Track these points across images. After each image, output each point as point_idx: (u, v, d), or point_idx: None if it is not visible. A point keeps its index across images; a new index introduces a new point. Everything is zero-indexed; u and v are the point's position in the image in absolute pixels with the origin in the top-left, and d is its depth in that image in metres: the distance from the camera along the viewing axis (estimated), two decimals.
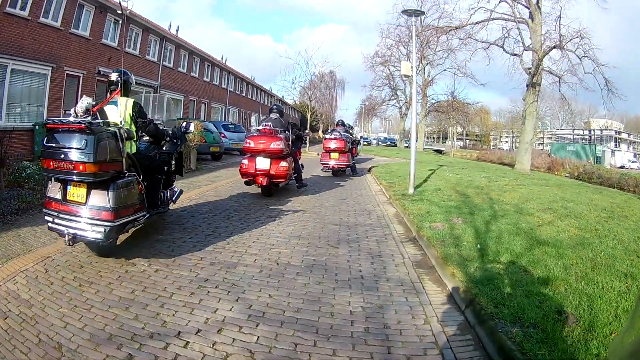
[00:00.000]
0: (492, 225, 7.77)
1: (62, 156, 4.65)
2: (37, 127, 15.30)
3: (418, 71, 55.51)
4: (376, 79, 59.32)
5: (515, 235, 7.00)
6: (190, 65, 32.62)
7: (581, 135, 76.92)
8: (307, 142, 32.59)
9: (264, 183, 10.31)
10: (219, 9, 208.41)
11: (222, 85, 40.21)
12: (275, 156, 10.23)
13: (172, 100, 28.85)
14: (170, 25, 30.97)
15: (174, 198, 7.55)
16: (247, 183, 10.81)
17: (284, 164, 10.34)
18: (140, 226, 6.05)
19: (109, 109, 5.85)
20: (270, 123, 10.66)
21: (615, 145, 79.12)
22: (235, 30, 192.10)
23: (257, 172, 10.24)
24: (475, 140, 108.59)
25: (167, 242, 6.37)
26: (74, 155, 4.62)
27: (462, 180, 15.21)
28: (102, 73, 19.89)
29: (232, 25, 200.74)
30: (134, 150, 5.93)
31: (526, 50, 26.38)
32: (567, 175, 34.02)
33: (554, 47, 24.81)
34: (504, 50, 28.86)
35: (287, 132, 11.13)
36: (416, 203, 10.15)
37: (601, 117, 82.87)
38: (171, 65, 29.39)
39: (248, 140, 10.45)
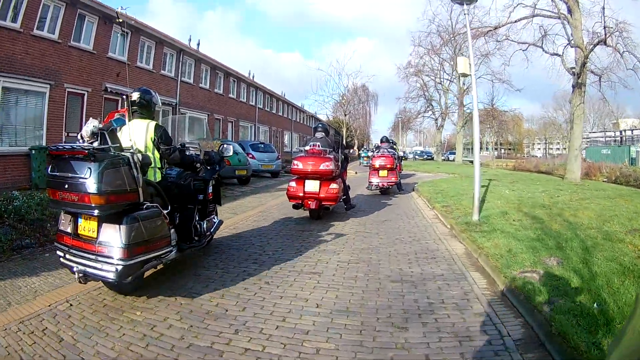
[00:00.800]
0: (591, 264, 5.96)
1: (67, 186, 4.30)
2: (33, 151, 13.69)
3: (453, 79, 54.11)
4: (410, 90, 57.16)
5: (623, 275, 5.43)
6: (214, 81, 30.93)
7: (612, 137, 73.54)
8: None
9: (313, 207, 9.78)
10: (246, 27, 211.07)
11: (250, 102, 38.52)
12: (325, 178, 9.77)
13: (195, 118, 27.12)
14: (190, 39, 29.38)
15: (212, 230, 6.86)
16: (295, 207, 10.25)
17: (334, 186, 9.83)
18: (170, 261, 5.37)
19: (125, 132, 5.39)
20: (318, 143, 10.23)
21: None
22: (263, 48, 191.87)
23: (306, 195, 9.79)
24: (509, 149, 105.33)
25: (142, 327, 4.25)
26: (77, 186, 4.22)
27: (522, 198, 13.10)
28: (109, 90, 18.41)
29: (260, 42, 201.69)
30: (158, 178, 5.43)
31: (571, 47, 23.85)
32: (604, 180, 31.24)
33: (599, 42, 22.30)
34: (543, 50, 26.66)
35: (335, 151, 10.59)
36: (488, 236, 7.83)
37: (629, 117, 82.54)
38: (191, 81, 27.71)
39: (295, 162, 9.96)
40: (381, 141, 18.66)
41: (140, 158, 4.72)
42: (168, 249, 4.98)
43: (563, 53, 25.28)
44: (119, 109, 6.04)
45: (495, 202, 12.12)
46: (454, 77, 53.17)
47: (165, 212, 4.94)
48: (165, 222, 4.91)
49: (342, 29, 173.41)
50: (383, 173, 15.94)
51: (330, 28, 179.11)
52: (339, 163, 10.61)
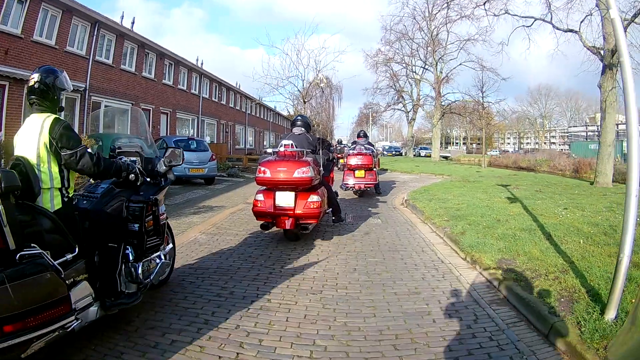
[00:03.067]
0: None
1: None
2: None
3: (428, 67, 49.48)
4: (379, 81, 52.44)
5: None
6: (142, 63, 24.49)
7: (595, 131, 71.65)
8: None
9: (289, 227, 7.25)
10: (212, 25, 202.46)
11: (192, 91, 31.95)
12: (302, 188, 7.32)
13: (117, 110, 20.94)
14: (122, 16, 23.45)
15: (152, 275, 4.57)
16: (263, 227, 7.55)
17: (315, 198, 7.38)
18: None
19: (23, 134, 3.82)
20: (291, 142, 7.69)
21: None
22: (228, 45, 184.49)
23: (278, 212, 7.27)
24: (478, 144, 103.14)
25: None
26: None
27: (603, 227, 7.99)
28: None
29: (226, 40, 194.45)
30: (57, 204, 3.69)
31: (611, 14, 18.74)
32: None
33: None
34: (553, 26, 22.42)
35: (315, 152, 8.11)
36: None
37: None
38: (110, 61, 21.47)
39: (262, 168, 7.37)
40: (358, 136, 16.11)
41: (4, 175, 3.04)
42: (68, 319, 3.21)
43: (580, 29, 20.61)
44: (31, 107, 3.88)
45: (578, 243, 6.79)
46: (429, 64, 48.17)
47: (68, 257, 3.46)
48: (57, 277, 3.17)
49: (305, 25, 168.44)
50: (360, 173, 13.97)
51: (294, 24, 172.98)
52: (321, 167, 8.26)
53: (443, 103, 47.68)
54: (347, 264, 6.56)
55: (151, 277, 4.60)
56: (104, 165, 4.03)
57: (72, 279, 3.50)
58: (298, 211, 7.28)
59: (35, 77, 3.85)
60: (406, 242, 8.10)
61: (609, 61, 17.94)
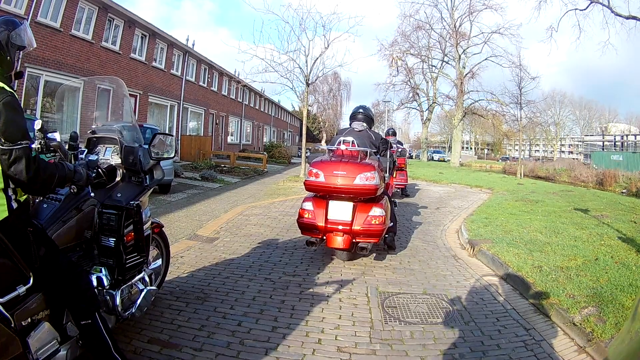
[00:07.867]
0: None
1: None
2: None
3: (449, 59, 44.92)
4: (392, 74, 47.42)
5: None
6: (101, 31, 19.23)
7: (611, 141, 68.40)
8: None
9: (343, 246, 5.80)
10: (222, 18, 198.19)
11: (173, 71, 26.74)
12: (362, 199, 5.92)
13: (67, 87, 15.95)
14: None
15: (134, 308, 3.58)
16: (309, 243, 5.97)
17: (378, 211, 5.84)
18: None
19: None
20: (352, 138, 6.23)
21: None
22: (239, 40, 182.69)
23: (330, 227, 5.82)
24: (488, 149, 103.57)
25: None
26: None
27: None
28: None
29: (235, 34, 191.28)
30: (0, 213, 2.51)
31: None
32: (623, 191, 27.64)
33: None
34: (612, 12, 19.66)
35: (379, 154, 6.81)
36: None
37: (620, 122, 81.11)
38: (56, 24, 16.35)
39: (314, 170, 5.98)
40: (387, 134, 14.29)
41: None
42: None
43: None
44: None
45: None
46: (450, 58, 43.41)
47: (20, 290, 2.49)
48: (6, 329, 2.27)
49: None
50: None
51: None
52: (387, 173, 6.68)
53: (465, 102, 42.71)
54: None
55: (133, 309, 3.55)
56: (44, 178, 2.65)
57: (28, 320, 2.54)
58: (356, 227, 5.73)
59: None
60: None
61: None
